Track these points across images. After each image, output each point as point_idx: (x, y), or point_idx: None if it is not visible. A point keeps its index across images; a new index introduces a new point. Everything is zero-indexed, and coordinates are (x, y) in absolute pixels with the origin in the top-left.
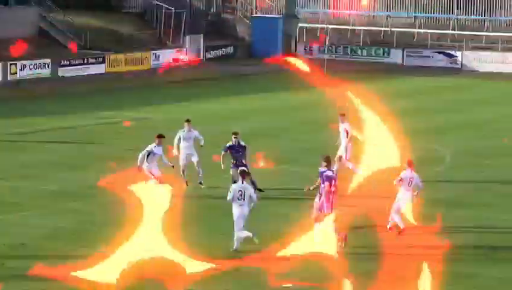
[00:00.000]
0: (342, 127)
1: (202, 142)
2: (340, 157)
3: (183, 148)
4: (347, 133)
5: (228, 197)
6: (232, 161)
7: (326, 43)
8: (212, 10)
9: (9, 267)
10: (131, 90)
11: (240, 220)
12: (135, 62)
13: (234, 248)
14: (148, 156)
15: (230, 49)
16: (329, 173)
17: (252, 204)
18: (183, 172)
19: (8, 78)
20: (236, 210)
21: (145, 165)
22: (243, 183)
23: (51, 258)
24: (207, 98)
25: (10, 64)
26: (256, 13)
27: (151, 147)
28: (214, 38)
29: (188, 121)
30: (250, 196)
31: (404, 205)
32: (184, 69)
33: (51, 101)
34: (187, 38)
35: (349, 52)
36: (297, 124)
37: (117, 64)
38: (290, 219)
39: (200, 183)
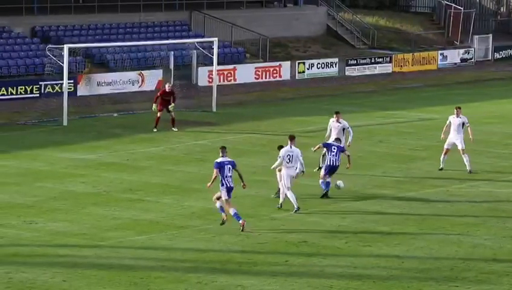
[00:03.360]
0: (459, 120)
1: (350, 135)
2: (462, 150)
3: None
4: (463, 126)
5: (278, 161)
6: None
7: None
8: (502, 10)
9: (292, 264)
10: (418, 90)
11: (288, 180)
12: (422, 62)
13: (295, 208)
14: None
15: None
16: None
17: (300, 171)
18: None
19: (296, 77)
20: (284, 171)
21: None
22: (291, 147)
23: (331, 256)
24: (493, 99)
25: (298, 62)
26: None
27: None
28: (503, 38)
29: (337, 113)
30: (298, 158)
31: None
32: (472, 69)
33: (336, 100)
34: (475, 38)
35: None
36: None
37: (404, 64)
38: None
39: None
